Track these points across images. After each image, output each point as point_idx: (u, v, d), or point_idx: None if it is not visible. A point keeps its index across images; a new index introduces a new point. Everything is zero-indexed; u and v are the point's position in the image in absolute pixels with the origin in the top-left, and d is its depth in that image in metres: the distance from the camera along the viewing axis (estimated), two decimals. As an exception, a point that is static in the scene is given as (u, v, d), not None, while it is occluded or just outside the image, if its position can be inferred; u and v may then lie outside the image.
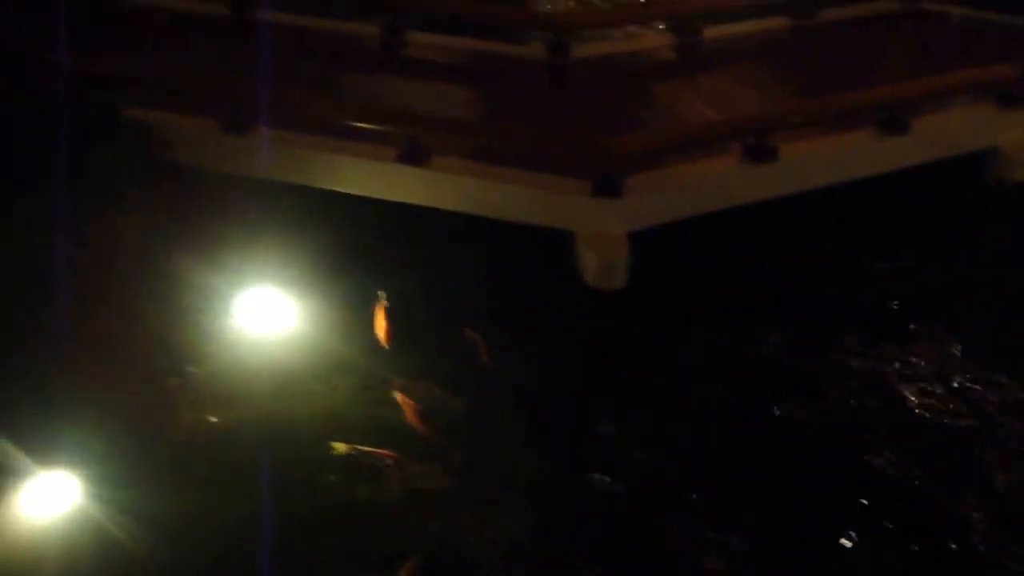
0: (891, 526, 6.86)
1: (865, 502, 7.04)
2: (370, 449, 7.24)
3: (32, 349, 6.54)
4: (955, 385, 8.10)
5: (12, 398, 6.29)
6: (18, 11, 9.81)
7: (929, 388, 8.08)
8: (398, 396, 7.73)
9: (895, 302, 9.05)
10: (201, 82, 9.52)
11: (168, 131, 8.48)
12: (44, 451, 6.22)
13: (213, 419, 7.25)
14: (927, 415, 7.86)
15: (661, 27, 11.77)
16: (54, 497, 6.18)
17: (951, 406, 7.92)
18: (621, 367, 8.26)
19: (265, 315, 7.92)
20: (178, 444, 6.87)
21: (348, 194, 8.84)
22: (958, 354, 8.47)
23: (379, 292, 8.23)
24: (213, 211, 8.20)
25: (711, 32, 11.13)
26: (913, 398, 7.99)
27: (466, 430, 7.51)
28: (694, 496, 7.08)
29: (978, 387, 8.06)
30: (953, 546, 6.72)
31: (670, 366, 8.29)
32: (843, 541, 6.71)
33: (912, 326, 8.78)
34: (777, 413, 7.82)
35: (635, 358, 8.34)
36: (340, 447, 7.25)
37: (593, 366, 8.25)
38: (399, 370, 7.92)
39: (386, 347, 8.02)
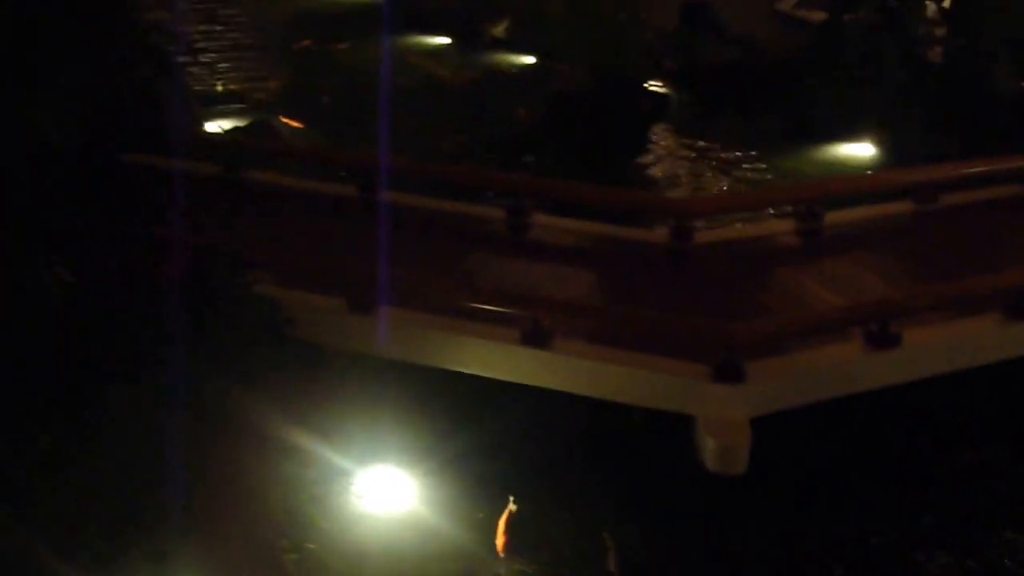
0: None
1: None
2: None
3: (151, 520, 6.63)
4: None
5: (130, 569, 6.36)
6: (149, 185, 10.23)
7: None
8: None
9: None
10: (329, 262, 9.77)
11: (295, 308, 8.68)
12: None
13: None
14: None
15: (783, 212, 11.81)
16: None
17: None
18: (740, 552, 8.12)
19: (384, 494, 7.97)
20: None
21: (471, 374, 8.93)
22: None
23: (510, 498, 8.25)
24: (337, 388, 8.33)
25: (833, 217, 11.12)
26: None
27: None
28: None
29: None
30: None
31: (789, 553, 8.14)
32: None
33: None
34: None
35: (754, 543, 8.20)
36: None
37: (712, 551, 8.12)
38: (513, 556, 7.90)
39: (500, 555, 7.96)
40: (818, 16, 17.05)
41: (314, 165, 12.55)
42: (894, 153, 14.20)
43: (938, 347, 9.09)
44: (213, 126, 14.54)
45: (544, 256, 10.43)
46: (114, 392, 6.99)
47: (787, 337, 8.88)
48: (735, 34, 17.57)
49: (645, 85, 16.21)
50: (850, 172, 14.27)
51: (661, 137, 15.32)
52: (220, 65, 18.54)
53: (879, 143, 14.60)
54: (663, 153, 15.02)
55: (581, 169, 12.99)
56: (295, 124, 15.01)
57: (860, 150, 14.74)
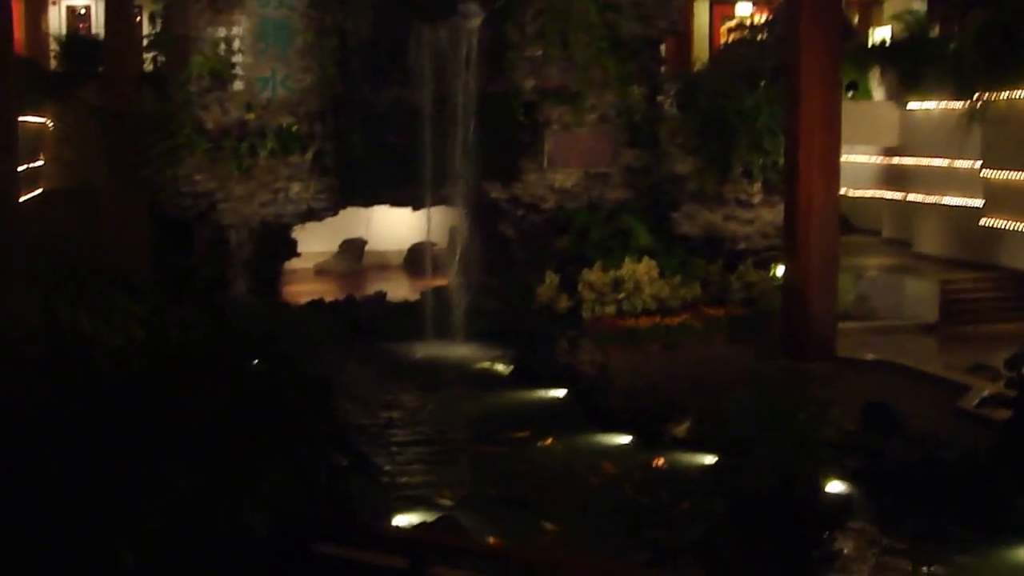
0: None
1: None
2: None
3: None
4: None
5: None
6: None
7: None
8: None
9: None
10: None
11: None
12: None
13: None
14: None
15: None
16: None
17: None
18: None
19: None
20: None
21: None
22: None
23: None
24: None
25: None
26: None
27: None
28: None
29: None
30: None
31: None
32: None
33: None
34: None
35: None
36: None
37: None
38: None
39: None
40: (1002, 414, 16.94)
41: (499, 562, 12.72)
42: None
43: None
44: (401, 520, 14.91)
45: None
46: None
47: None
48: (917, 433, 17.52)
49: (827, 485, 16.15)
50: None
51: (846, 538, 15.11)
52: (409, 456, 19.14)
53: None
54: (850, 555, 14.78)
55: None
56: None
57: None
